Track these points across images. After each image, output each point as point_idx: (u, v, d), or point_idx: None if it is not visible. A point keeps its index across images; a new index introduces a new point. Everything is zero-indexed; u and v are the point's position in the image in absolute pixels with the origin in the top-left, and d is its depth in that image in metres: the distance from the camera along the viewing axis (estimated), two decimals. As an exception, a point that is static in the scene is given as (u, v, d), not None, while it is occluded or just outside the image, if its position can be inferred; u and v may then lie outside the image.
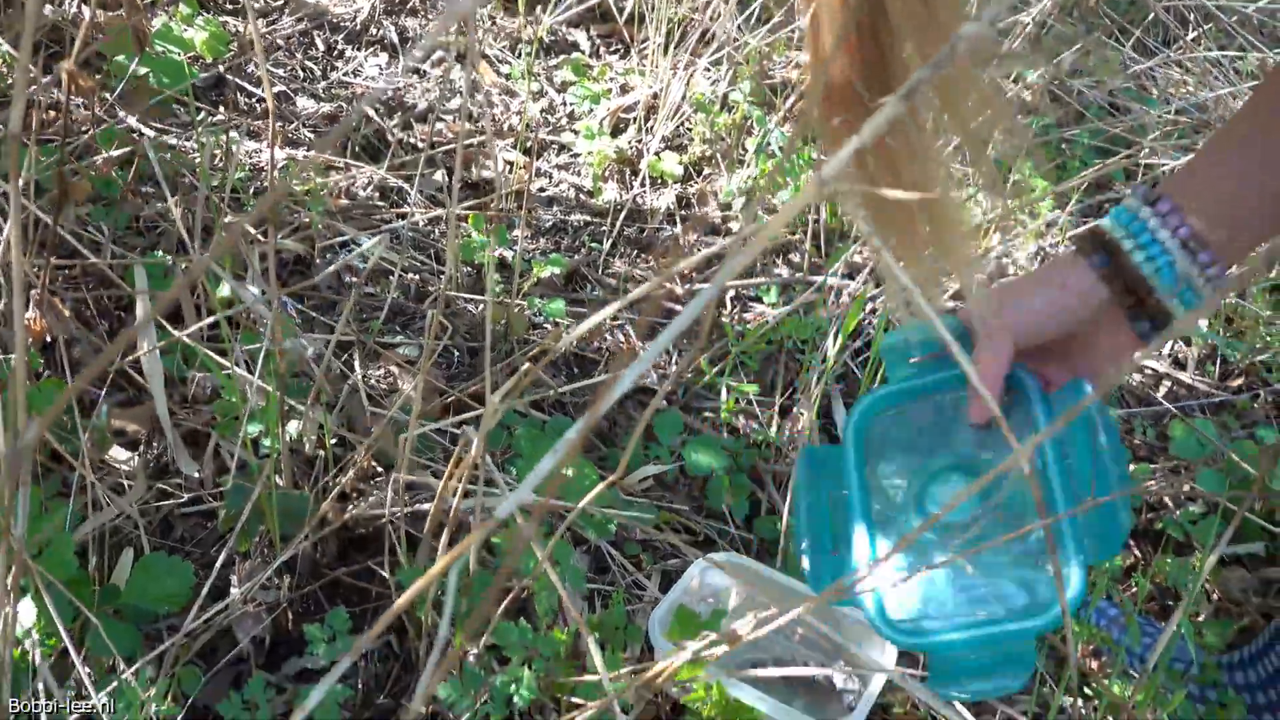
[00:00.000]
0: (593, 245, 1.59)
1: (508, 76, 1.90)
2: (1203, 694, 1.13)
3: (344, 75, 1.83)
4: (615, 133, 1.80)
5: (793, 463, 1.26)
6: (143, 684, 0.89)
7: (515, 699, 0.92)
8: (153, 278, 1.26)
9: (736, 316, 1.52)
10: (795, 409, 1.33)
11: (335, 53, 1.89)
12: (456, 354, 1.35)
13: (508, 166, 1.72)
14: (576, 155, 1.76)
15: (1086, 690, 1.11)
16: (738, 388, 1.35)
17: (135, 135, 1.54)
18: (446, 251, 1.37)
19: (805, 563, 0.81)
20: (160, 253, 1.34)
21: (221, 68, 1.74)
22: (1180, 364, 1.64)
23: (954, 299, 0.73)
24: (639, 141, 1.78)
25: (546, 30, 2.01)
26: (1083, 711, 1.08)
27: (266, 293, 1.17)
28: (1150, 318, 0.77)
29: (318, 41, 1.89)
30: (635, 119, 1.81)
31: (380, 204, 1.59)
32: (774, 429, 1.33)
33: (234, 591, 1.03)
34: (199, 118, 1.63)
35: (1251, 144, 0.74)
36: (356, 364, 1.26)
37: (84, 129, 1.47)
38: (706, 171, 1.77)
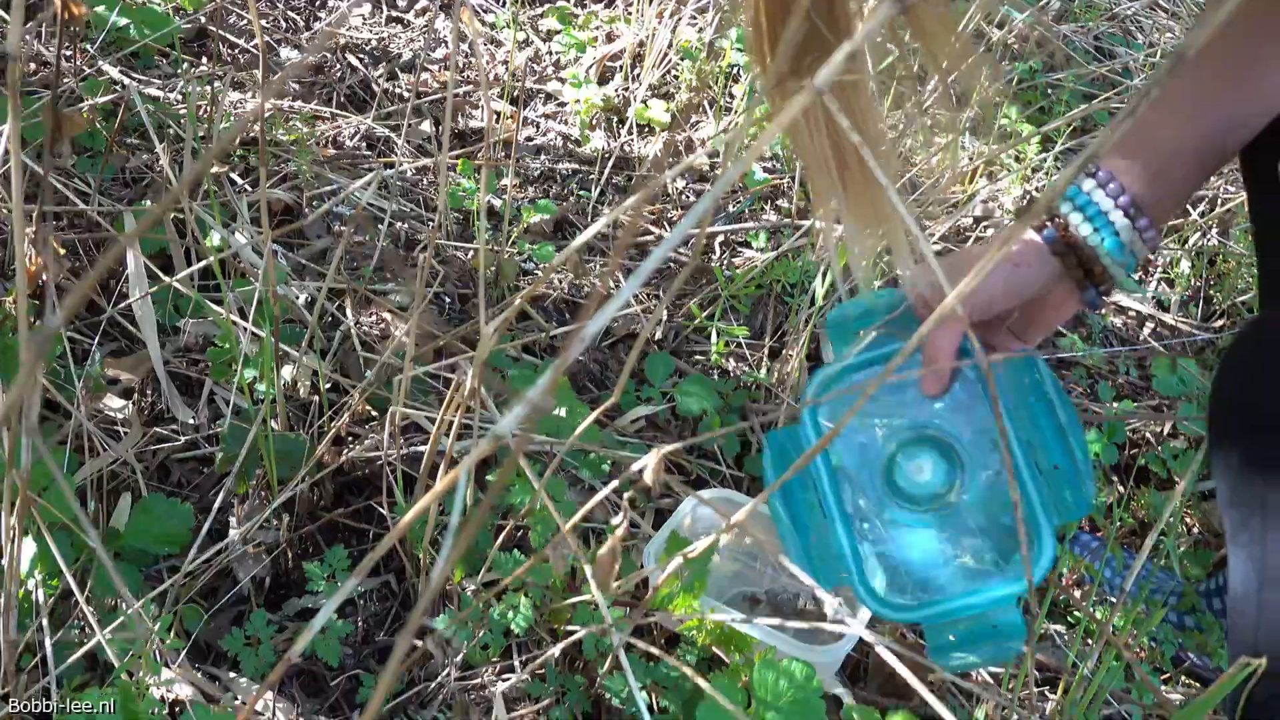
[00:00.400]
0: (581, 193, 1.59)
1: (493, 26, 1.89)
2: (1181, 620, 1.16)
3: (326, 25, 1.82)
4: (602, 81, 1.80)
5: (782, 403, 1.28)
6: (147, 612, 0.90)
7: (513, 627, 0.94)
8: (142, 227, 1.25)
9: (726, 261, 1.52)
10: (784, 351, 1.34)
11: (318, 3, 1.87)
12: (448, 300, 1.35)
13: (495, 116, 1.71)
14: (563, 104, 1.76)
15: (1070, 619, 1.14)
16: (727, 330, 1.37)
17: (118, 88, 1.53)
18: (438, 198, 1.37)
19: (790, 553, 0.85)
20: (148, 203, 1.33)
21: (203, 18, 1.72)
22: (1164, 305, 1.66)
23: (906, 267, 0.75)
24: (626, 90, 1.77)
25: (531, -21, 1.99)
26: (1065, 637, 1.11)
27: (259, 237, 1.18)
28: (1097, 284, 0.80)
29: (300, -9, 1.87)
30: (622, 67, 1.80)
31: (367, 154, 1.58)
32: (764, 371, 1.34)
33: (233, 532, 1.05)
34: (182, 69, 1.62)
35: (1179, 109, 0.76)
36: (348, 311, 1.27)
37: (66, 80, 1.46)
38: (694, 119, 1.77)
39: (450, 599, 1.03)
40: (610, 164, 1.63)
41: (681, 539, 0.94)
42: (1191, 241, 1.70)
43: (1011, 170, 1.71)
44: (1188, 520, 1.32)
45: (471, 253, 1.40)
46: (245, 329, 1.12)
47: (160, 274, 1.13)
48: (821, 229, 0.79)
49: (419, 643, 1.02)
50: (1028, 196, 1.68)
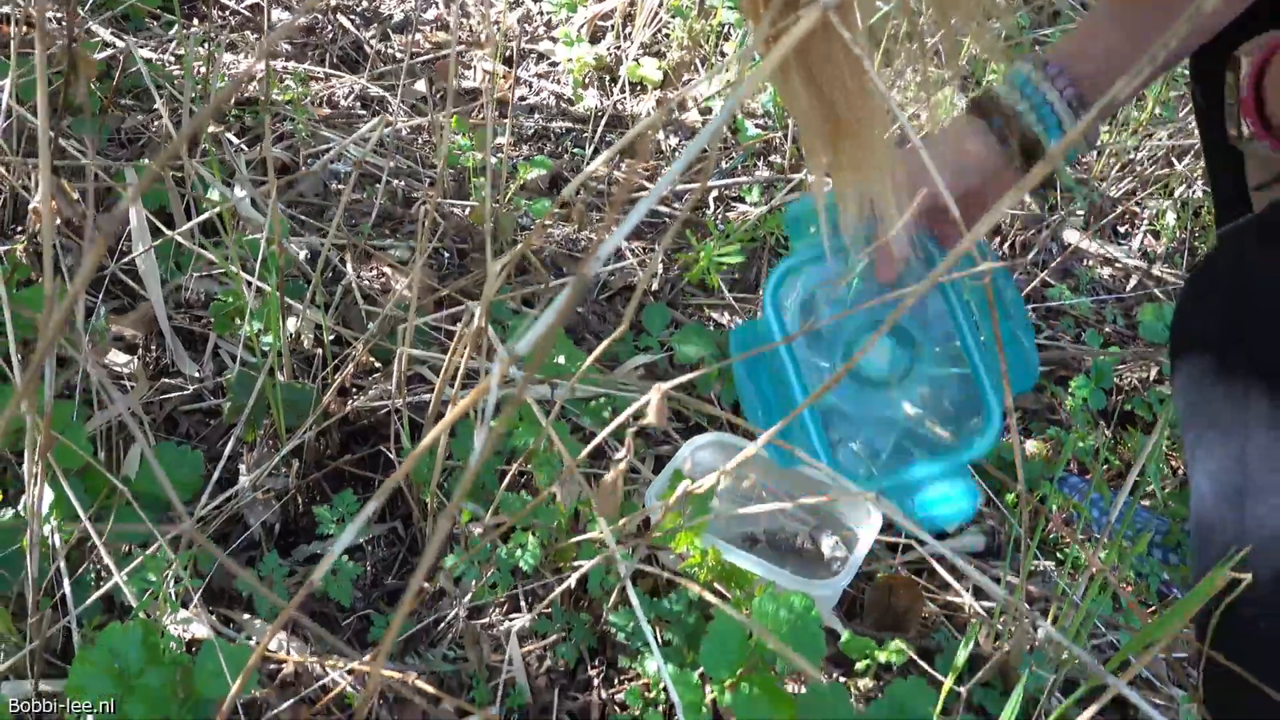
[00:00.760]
0: (575, 151, 1.60)
1: (484, -14, 1.89)
2: (1166, 557, 1.19)
3: (318, -14, 1.82)
4: (594, 40, 1.80)
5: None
6: (162, 563, 0.92)
7: (521, 565, 0.97)
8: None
9: (720, 216, 1.54)
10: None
11: (308, -36, 1.86)
12: (446, 255, 1.37)
13: (487, 76, 1.72)
14: (556, 63, 1.77)
15: (1059, 555, 1.18)
16: (722, 268, 1.39)
17: (110, 49, 1.53)
18: (434, 156, 1.38)
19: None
20: (146, 161, 1.34)
21: (194, -21, 1.72)
22: (1149, 258, 1.69)
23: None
24: (618, 48, 1.78)
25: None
26: (1055, 572, 1.15)
27: (258, 194, 1.19)
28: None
29: (290, -48, 1.87)
30: (613, 26, 1.81)
31: (362, 113, 1.59)
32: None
33: (243, 479, 1.07)
34: (173, 31, 1.62)
35: (1125, 12, 0.81)
36: (349, 266, 1.28)
37: (58, 41, 1.46)
38: (686, 77, 1.78)
39: (458, 541, 1.05)
40: (604, 122, 1.64)
41: (681, 474, 0.96)
42: (1178, 193, 1.72)
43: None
44: (1173, 462, 1.35)
45: (469, 209, 1.42)
46: (250, 283, 1.13)
47: (163, 228, 1.14)
48: (812, 183, 0.82)
49: (426, 585, 1.04)
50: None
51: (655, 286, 1.39)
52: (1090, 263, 1.64)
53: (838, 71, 0.67)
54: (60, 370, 1.15)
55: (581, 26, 1.81)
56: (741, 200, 1.57)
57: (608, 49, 1.77)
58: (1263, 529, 0.63)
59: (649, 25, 1.79)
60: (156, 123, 1.46)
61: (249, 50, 1.62)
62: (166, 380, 1.15)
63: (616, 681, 1.01)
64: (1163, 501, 1.24)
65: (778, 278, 0.95)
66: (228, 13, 1.73)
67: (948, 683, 0.79)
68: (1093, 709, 0.58)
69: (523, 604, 1.04)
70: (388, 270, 1.30)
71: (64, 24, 1.49)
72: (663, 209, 1.53)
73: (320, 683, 0.94)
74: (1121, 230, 1.74)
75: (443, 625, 1.02)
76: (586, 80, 1.73)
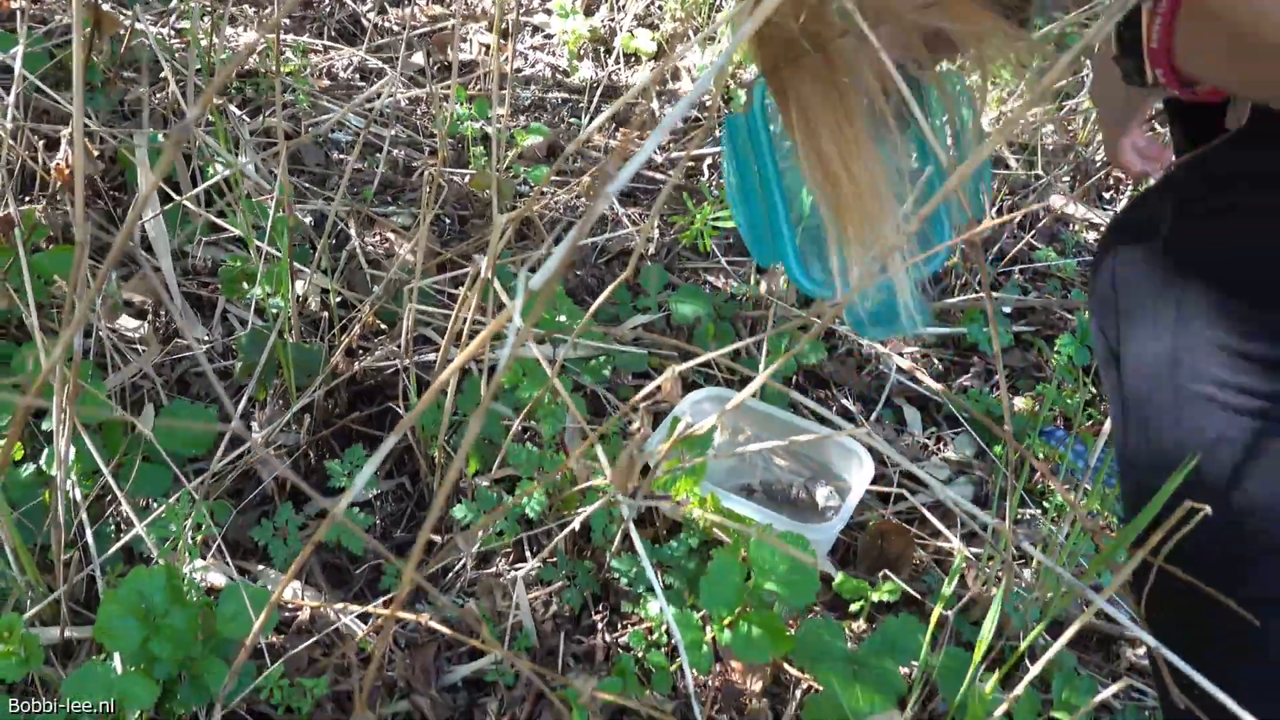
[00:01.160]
0: (572, 120, 1.63)
1: (478, -41, 1.91)
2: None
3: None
4: (588, 12, 1.83)
5: (773, 310, 1.34)
6: (182, 513, 0.96)
7: (527, 512, 1.01)
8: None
9: (715, 183, 1.57)
10: (771, 266, 1.40)
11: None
12: (448, 221, 1.40)
13: (483, 49, 1.74)
14: (551, 36, 1.79)
15: (1044, 504, 1.22)
16: (715, 232, 1.42)
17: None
18: (435, 124, 1.41)
19: (743, 233, 0.92)
20: (151, 130, 1.37)
21: (192, -46, 1.74)
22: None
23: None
24: (612, 20, 1.80)
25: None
26: (1039, 519, 1.19)
27: (267, 156, 1.22)
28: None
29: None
30: (607, -2, 1.83)
31: (361, 84, 1.62)
32: (752, 283, 1.40)
33: (255, 434, 1.10)
34: (174, 3, 1.64)
35: None
36: (353, 232, 1.31)
37: (57, 16, 1.48)
38: (680, 48, 1.80)
39: (466, 494, 1.09)
40: (599, 92, 1.67)
41: (677, 419, 1.00)
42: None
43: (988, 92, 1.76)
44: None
45: (468, 176, 1.45)
46: (259, 249, 1.16)
47: (172, 193, 1.17)
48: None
49: (436, 538, 1.08)
50: (1002, 118, 1.73)
51: (652, 250, 1.42)
52: (1076, 227, 1.68)
53: (847, 142, 0.68)
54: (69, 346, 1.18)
55: (576, -1, 1.83)
56: (735, 167, 1.60)
57: (602, 21, 1.80)
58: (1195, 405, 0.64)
59: (642, -3, 1.82)
60: (158, 95, 1.48)
61: (248, 24, 1.64)
62: (179, 340, 1.18)
63: (619, 626, 1.05)
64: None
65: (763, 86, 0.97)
66: (225, -13, 1.75)
67: (937, 609, 0.83)
68: (1073, 629, 0.62)
69: (528, 554, 1.08)
70: (391, 236, 1.33)
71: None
72: (659, 176, 1.56)
73: (334, 626, 0.98)
74: (1106, 195, 1.78)
75: (451, 575, 1.06)
76: (581, 52, 1.76)
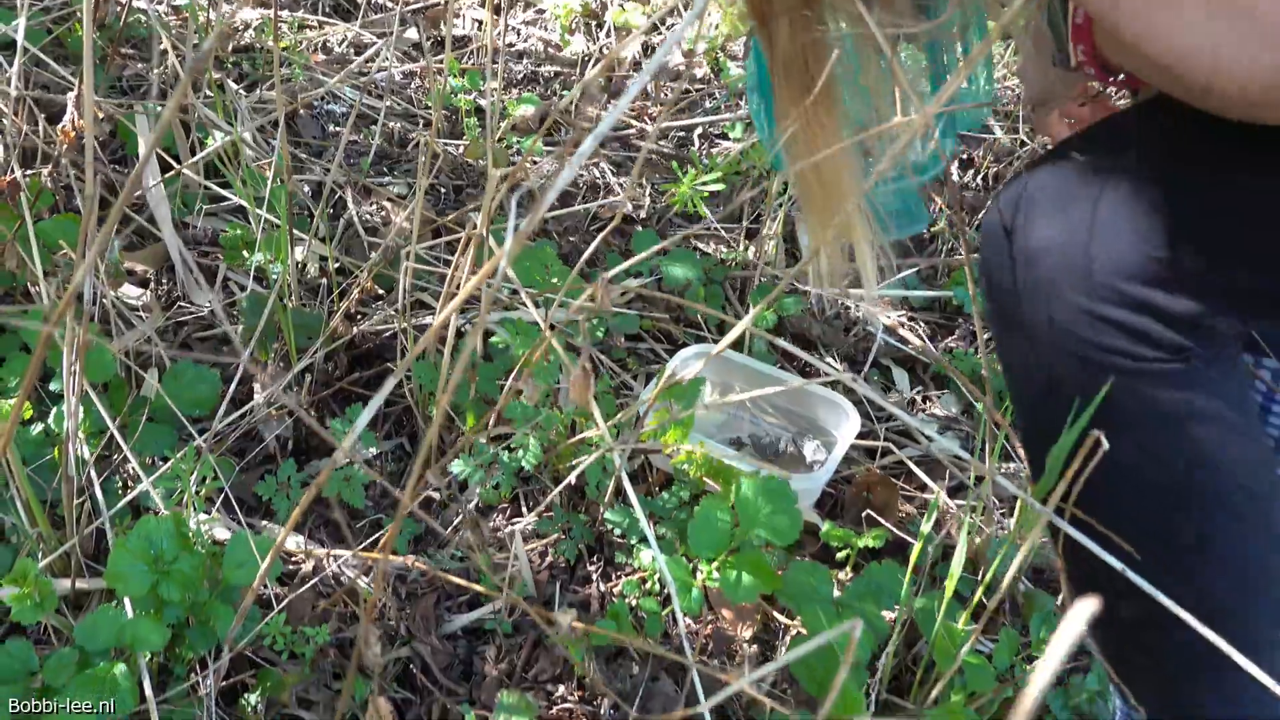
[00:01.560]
0: (564, 93, 1.65)
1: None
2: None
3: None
4: (579, -14, 1.85)
5: (758, 271, 1.37)
6: (188, 467, 0.99)
7: (524, 464, 1.04)
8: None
9: (705, 151, 1.60)
10: (761, 232, 1.43)
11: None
12: (442, 191, 1.43)
13: (476, 24, 1.77)
14: (542, 10, 1.81)
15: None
16: (705, 196, 1.45)
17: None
18: (430, 96, 1.43)
19: (758, 121, 0.95)
20: (152, 104, 1.39)
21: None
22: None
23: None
24: (603, -6, 1.83)
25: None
26: (1020, 466, 1.22)
27: (265, 121, 1.24)
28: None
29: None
30: (598, -28, 1.85)
31: (355, 59, 1.64)
32: (741, 248, 1.43)
33: (257, 396, 1.13)
34: (170, -19, 1.66)
35: None
36: (350, 202, 1.34)
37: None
38: (670, 22, 1.83)
39: (463, 450, 1.12)
40: (590, 66, 1.69)
41: (670, 375, 1.03)
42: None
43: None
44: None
45: (462, 147, 1.47)
46: (258, 215, 1.19)
47: (173, 161, 1.20)
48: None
49: (436, 495, 1.11)
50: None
51: (644, 215, 1.45)
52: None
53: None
54: (77, 303, 1.20)
55: (567, -26, 1.85)
56: (725, 137, 1.63)
57: (593, -5, 1.82)
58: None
59: (633, -29, 1.83)
60: (156, 70, 1.51)
61: (241, 1, 1.66)
62: (181, 304, 1.21)
63: (613, 577, 1.08)
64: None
65: None
66: (221, -35, 1.77)
67: (917, 547, 0.86)
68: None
69: (524, 508, 1.11)
70: (387, 204, 1.36)
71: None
72: (651, 147, 1.59)
73: (332, 571, 1.01)
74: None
75: (449, 529, 1.09)
76: (573, 26, 1.78)
